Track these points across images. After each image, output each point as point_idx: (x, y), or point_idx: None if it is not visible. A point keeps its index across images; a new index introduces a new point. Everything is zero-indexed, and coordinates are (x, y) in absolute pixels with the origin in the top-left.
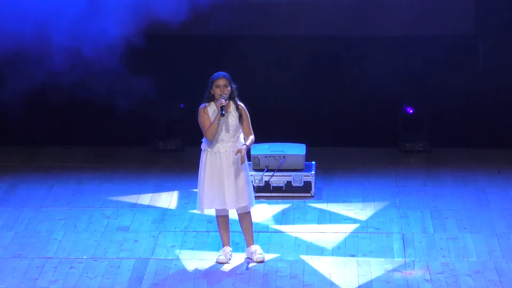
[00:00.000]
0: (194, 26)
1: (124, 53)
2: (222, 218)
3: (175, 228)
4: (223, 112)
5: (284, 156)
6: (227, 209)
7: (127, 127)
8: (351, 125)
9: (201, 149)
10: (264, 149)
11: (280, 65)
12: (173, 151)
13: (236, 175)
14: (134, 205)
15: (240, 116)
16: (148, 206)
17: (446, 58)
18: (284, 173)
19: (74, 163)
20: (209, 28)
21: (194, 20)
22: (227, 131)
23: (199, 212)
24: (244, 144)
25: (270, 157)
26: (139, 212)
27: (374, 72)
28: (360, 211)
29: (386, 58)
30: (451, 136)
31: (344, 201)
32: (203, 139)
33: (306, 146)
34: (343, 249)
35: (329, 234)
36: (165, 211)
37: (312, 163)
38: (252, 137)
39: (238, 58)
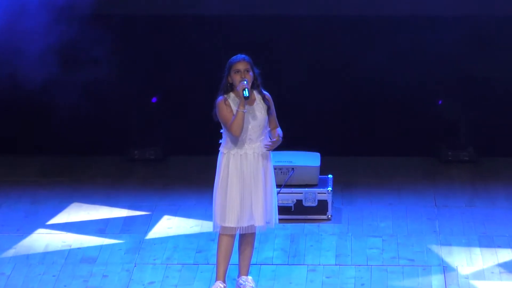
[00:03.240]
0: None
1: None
2: (229, 240)
3: (154, 259)
4: (247, 94)
5: (293, 168)
6: (255, 225)
7: (93, 132)
8: (376, 129)
9: (219, 152)
10: None
11: (284, 52)
12: (152, 162)
13: (266, 182)
14: (102, 230)
15: (269, 109)
16: (121, 232)
17: (492, 42)
18: (293, 189)
19: (27, 177)
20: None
21: None
22: (256, 128)
23: (216, 231)
24: (278, 136)
25: (275, 169)
26: (109, 240)
27: (401, 63)
28: (389, 237)
29: (414, 44)
30: (504, 143)
31: (369, 225)
32: (221, 140)
33: (320, 156)
34: (368, 287)
35: (350, 268)
36: (141, 238)
37: (328, 177)
38: (280, 130)
39: (226, 41)
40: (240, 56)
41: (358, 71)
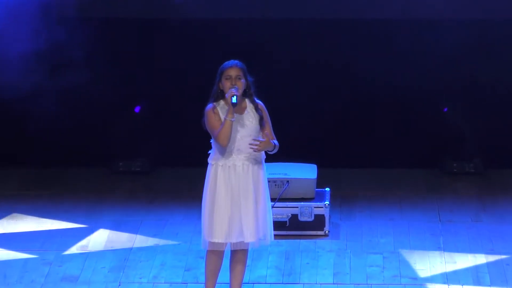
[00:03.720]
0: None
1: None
2: (217, 257)
3: (140, 278)
4: (235, 101)
5: (288, 181)
6: (246, 241)
7: (75, 142)
8: (376, 139)
9: (208, 163)
10: None
11: (279, 58)
12: (138, 174)
13: (257, 196)
14: (84, 247)
15: (261, 119)
16: (104, 248)
17: (499, 46)
18: (288, 203)
19: (5, 191)
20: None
21: None
22: (245, 138)
23: (204, 247)
24: (268, 138)
25: (269, 181)
26: (92, 257)
27: (401, 69)
28: (390, 255)
29: (417, 46)
30: None
31: (369, 242)
32: (210, 150)
33: (317, 168)
34: None
35: (349, 287)
36: (127, 256)
37: (325, 190)
38: (276, 142)
39: (217, 46)
40: (232, 61)
41: (357, 78)
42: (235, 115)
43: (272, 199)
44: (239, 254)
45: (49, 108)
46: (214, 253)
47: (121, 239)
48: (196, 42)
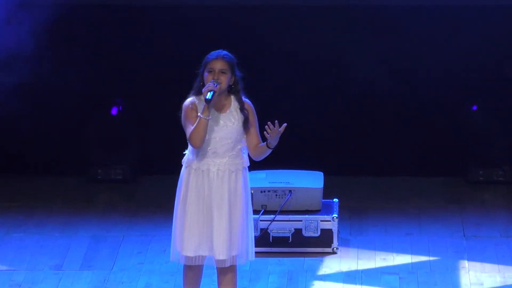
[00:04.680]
0: None
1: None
2: (193, 272)
3: None
4: (210, 98)
5: (290, 191)
6: (216, 258)
7: (47, 147)
8: (390, 143)
9: (182, 165)
10: (260, 180)
11: (274, 51)
12: (119, 183)
13: (233, 208)
14: (59, 266)
15: (246, 120)
16: (82, 268)
17: None
18: (290, 216)
19: None
20: None
21: None
22: (224, 140)
23: (176, 261)
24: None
25: (269, 191)
26: (67, 278)
27: (417, 61)
28: (408, 275)
29: (434, 35)
30: None
31: (383, 260)
32: (186, 150)
33: (324, 175)
34: None
35: None
36: (106, 276)
37: (333, 201)
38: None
39: (204, 36)
40: (218, 52)
41: (369, 75)
42: (216, 113)
43: (273, 212)
44: (227, 273)
45: (9, 107)
46: (191, 269)
47: (100, 257)
48: (183, 32)
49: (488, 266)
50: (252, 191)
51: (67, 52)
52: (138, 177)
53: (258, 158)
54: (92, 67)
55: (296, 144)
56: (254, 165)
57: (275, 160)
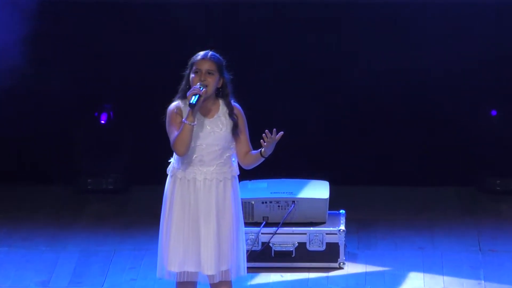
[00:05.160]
0: None
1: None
2: None
3: None
4: (194, 102)
5: (294, 201)
6: (203, 273)
7: (33, 155)
8: (400, 150)
9: (165, 175)
10: (261, 190)
11: (272, 48)
12: (111, 193)
13: (221, 220)
14: (45, 283)
15: (235, 126)
16: (70, 285)
17: None
18: (294, 229)
19: None
20: None
21: None
22: (211, 147)
23: (161, 277)
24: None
25: (270, 202)
26: None
27: (426, 61)
28: None
29: (448, 33)
30: None
31: (393, 276)
32: (171, 158)
33: (329, 185)
34: None
35: None
36: None
37: (340, 213)
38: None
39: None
40: (205, 52)
41: (374, 76)
42: (202, 118)
43: (275, 224)
44: None
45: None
46: (183, 285)
47: (90, 273)
48: (177, 30)
49: (506, 281)
50: (253, 202)
51: (53, 54)
52: (131, 187)
53: (249, 166)
54: (79, 68)
55: (299, 151)
56: (256, 174)
57: (277, 168)
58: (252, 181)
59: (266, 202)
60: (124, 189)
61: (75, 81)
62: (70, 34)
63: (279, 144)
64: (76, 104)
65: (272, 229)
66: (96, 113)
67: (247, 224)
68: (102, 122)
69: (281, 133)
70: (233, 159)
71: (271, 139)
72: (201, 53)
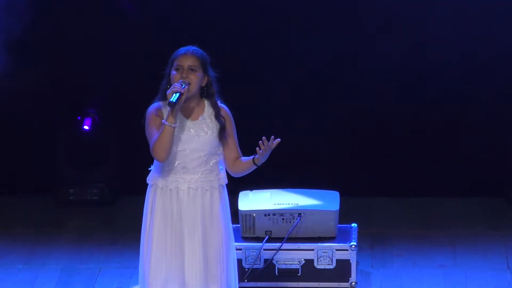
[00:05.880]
0: None
1: None
2: None
3: None
4: (174, 100)
5: (300, 214)
6: None
7: (9, 163)
8: (418, 158)
9: (147, 184)
10: (264, 201)
11: (271, 50)
12: (95, 205)
13: (209, 231)
14: None
15: (222, 129)
16: None
17: None
18: (300, 244)
19: None
20: None
21: None
22: (195, 152)
23: None
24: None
25: (274, 215)
26: None
27: (445, 62)
28: None
29: (467, 31)
30: None
31: None
32: (152, 166)
33: (340, 196)
34: None
35: None
36: None
37: (352, 226)
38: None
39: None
40: (187, 48)
41: (389, 84)
42: (186, 120)
43: (279, 239)
44: None
45: None
46: None
47: None
48: (168, 29)
49: None
50: (254, 215)
51: (30, 53)
52: (117, 198)
53: (238, 174)
54: (59, 68)
55: (307, 159)
56: (258, 184)
57: (281, 178)
58: (254, 191)
59: (269, 215)
60: (110, 200)
61: (55, 82)
62: (51, 34)
63: (284, 151)
64: (57, 107)
65: (275, 245)
66: (79, 117)
67: (247, 239)
68: (86, 127)
69: (278, 140)
70: (221, 166)
71: (267, 146)
72: (182, 48)
